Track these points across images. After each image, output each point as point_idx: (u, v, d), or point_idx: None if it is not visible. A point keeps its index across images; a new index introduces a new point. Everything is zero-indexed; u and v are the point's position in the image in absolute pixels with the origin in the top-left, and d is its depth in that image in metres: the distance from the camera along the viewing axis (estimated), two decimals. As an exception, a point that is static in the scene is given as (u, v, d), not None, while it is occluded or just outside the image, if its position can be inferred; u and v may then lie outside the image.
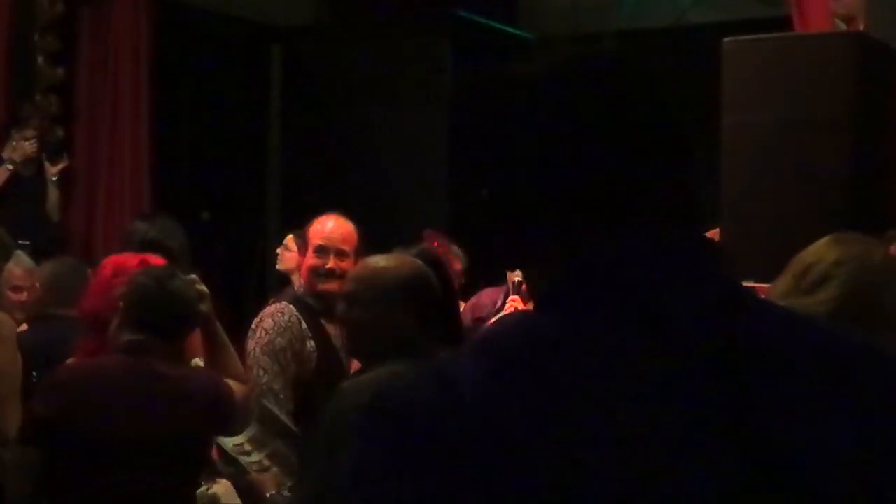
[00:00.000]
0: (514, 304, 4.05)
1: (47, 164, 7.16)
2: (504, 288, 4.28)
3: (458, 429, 0.99)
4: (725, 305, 1.08)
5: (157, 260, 3.90)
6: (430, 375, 1.05)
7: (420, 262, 3.25)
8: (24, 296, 4.81)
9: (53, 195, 7.20)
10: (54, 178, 7.21)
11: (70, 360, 3.64)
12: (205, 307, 3.64)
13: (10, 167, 6.89)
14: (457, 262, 5.11)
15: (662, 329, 1.05)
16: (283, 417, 3.93)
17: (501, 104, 1.17)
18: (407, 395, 1.04)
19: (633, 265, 1.07)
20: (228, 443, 3.29)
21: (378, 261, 3.25)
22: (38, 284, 4.75)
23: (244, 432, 3.23)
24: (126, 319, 3.38)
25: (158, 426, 3.25)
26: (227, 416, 3.47)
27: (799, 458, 1.03)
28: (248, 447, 3.22)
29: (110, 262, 3.85)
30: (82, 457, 3.23)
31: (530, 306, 3.77)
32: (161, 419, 3.26)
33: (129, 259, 3.82)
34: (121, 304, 3.40)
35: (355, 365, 3.61)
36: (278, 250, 5.79)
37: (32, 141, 6.96)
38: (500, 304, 4.25)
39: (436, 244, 4.87)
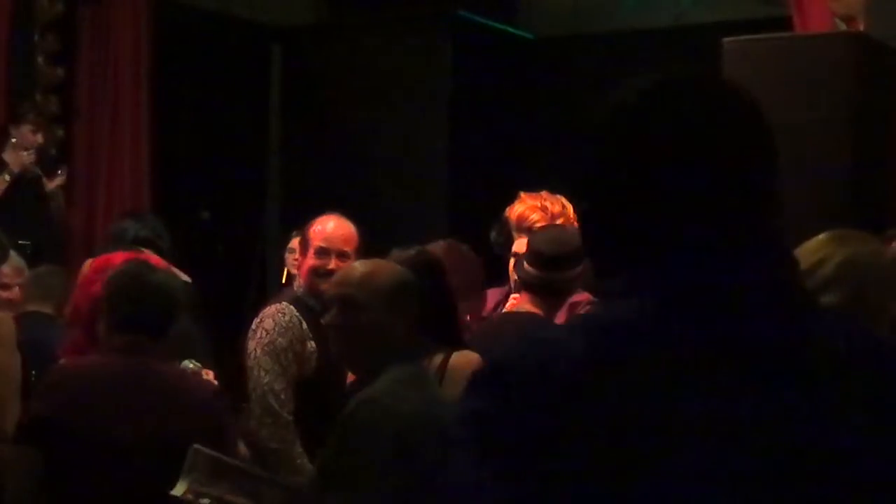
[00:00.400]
0: (524, 303, 4.04)
1: (45, 180, 7.11)
2: (506, 288, 4.27)
3: (558, 389, 1.09)
4: (795, 309, 1.18)
5: (147, 256, 3.91)
6: (533, 345, 1.16)
7: (401, 267, 3.28)
8: (11, 293, 4.86)
9: (55, 204, 7.16)
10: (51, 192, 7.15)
11: (63, 360, 3.65)
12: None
13: (8, 178, 6.87)
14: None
15: (736, 326, 1.14)
16: (285, 415, 3.94)
17: (601, 122, 1.27)
18: (512, 362, 1.14)
19: (714, 269, 1.17)
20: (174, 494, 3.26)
21: (364, 265, 3.26)
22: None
23: (179, 484, 3.20)
24: (111, 319, 3.37)
25: (155, 425, 3.25)
26: (221, 415, 3.45)
27: (850, 465, 1.11)
28: (191, 496, 3.21)
29: (95, 261, 3.86)
30: (79, 456, 3.22)
31: (529, 307, 3.73)
32: (157, 418, 3.26)
33: (114, 257, 3.82)
34: (104, 304, 3.39)
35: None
36: (289, 256, 5.75)
37: (31, 152, 6.93)
38: (502, 303, 4.24)
39: (457, 258, 4.85)
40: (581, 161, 1.26)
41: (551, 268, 3.92)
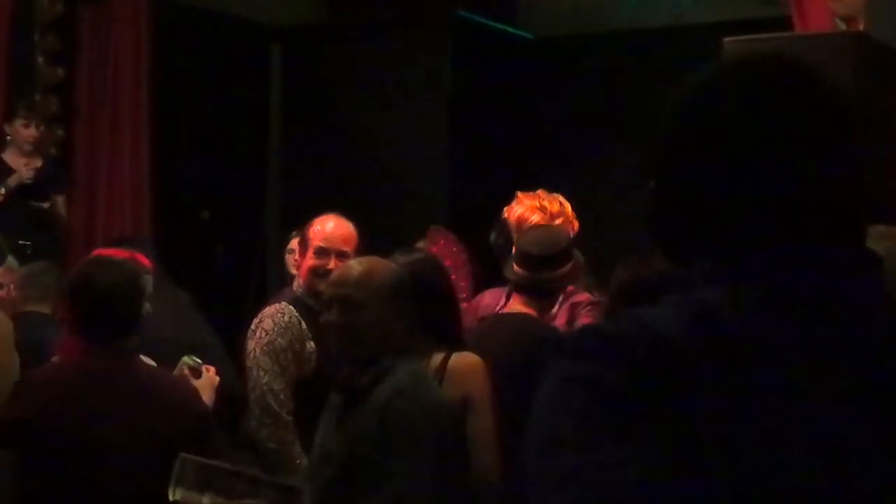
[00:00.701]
0: (515, 304, 4.06)
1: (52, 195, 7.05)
2: (506, 289, 4.27)
3: (662, 362, 1.06)
4: (876, 310, 1.14)
5: (140, 257, 3.90)
6: (633, 321, 1.12)
7: (394, 265, 3.32)
8: (2, 292, 4.86)
9: (55, 205, 7.13)
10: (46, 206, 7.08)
11: (55, 358, 3.65)
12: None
13: (3, 191, 6.84)
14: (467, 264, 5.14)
15: (815, 325, 1.10)
16: (284, 415, 3.94)
17: (681, 105, 1.22)
18: (616, 336, 1.11)
19: (797, 266, 1.13)
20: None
21: (361, 264, 3.29)
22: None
23: (172, 493, 3.20)
24: (73, 325, 3.34)
25: (131, 425, 3.21)
26: (200, 412, 3.42)
27: None
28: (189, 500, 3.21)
29: (98, 255, 3.85)
30: (56, 458, 3.19)
31: (521, 307, 3.75)
32: (133, 417, 3.22)
33: (120, 253, 3.82)
34: (65, 311, 3.36)
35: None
36: (288, 257, 5.75)
37: (31, 169, 6.89)
38: (502, 304, 4.24)
39: (441, 242, 4.88)
40: (652, 138, 1.23)
41: (539, 268, 3.95)
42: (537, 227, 4.41)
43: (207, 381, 3.84)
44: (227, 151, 8.22)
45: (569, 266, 4.00)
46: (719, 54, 4.56)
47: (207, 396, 3.81)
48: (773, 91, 1.17)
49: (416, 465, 2.98)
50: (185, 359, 3.86)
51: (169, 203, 7.77)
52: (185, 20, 8.01)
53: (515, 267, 4.00)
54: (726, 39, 4.62)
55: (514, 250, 4.10)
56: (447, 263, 3.91)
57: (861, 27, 5.68)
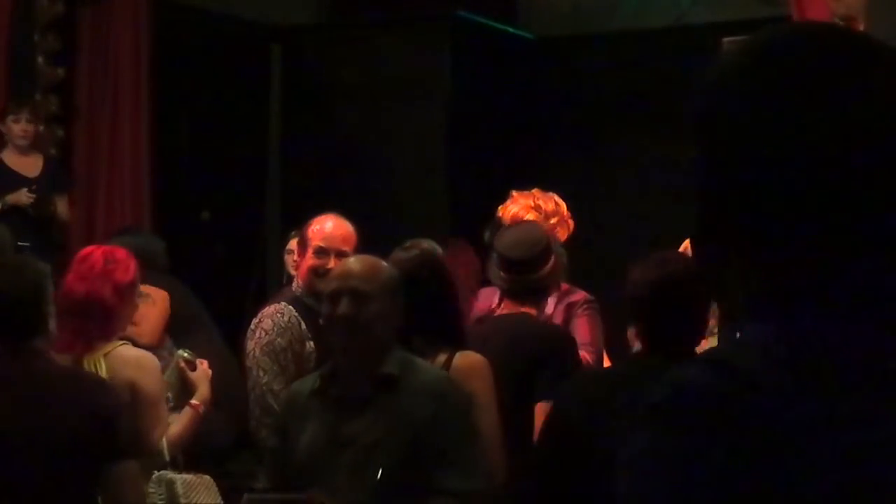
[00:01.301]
0: (509, 306, 4.06)
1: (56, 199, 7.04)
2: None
3: (748, 413, 0.98)
4: None
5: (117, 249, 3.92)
6: (716, 367, 1.02)
7: (386, 262, 3.39)
8: None
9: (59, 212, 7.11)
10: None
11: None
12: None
13: (3, 206, 6.81)
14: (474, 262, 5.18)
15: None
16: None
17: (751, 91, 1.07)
18: (700, 385, 1.01)
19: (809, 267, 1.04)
20: None
21: (360, 260, 3.32)
22: None
23: None
24: None
25: (34, 425, 3.14)
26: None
27: None
28: None
29: (97, 250, 3.84)
30: None
31: (522, 307, 3.73)
32: (36, 421, 3.15)
33: (119, 251, 3.83)
34: None
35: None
36: (287, 257, 5.76)
37: (31, 193, 6.85)
38: (496, 303, 4.24)
39: (459, 255, 4.90)
40: (696, 102, 1.10)
41: (520, 271, 3.95)
42: (509, 227, 4.33)
43: (202, 374, 3.89)
44: (227, 151, 8.22)
45: (550, 264, 3.99)
46: (719, 54, 4.56)
47: (203, 389, 3.87)
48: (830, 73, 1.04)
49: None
50: (180, 352, 3.91)
51: (169, 203, 7.77)
52: (185, 20, 8.01)
53: (500, 272, 4.00)
54: (726, 39, 4.63)
55: (493, 254, 4.08)
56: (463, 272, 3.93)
57: (861, 27, 5.68)
